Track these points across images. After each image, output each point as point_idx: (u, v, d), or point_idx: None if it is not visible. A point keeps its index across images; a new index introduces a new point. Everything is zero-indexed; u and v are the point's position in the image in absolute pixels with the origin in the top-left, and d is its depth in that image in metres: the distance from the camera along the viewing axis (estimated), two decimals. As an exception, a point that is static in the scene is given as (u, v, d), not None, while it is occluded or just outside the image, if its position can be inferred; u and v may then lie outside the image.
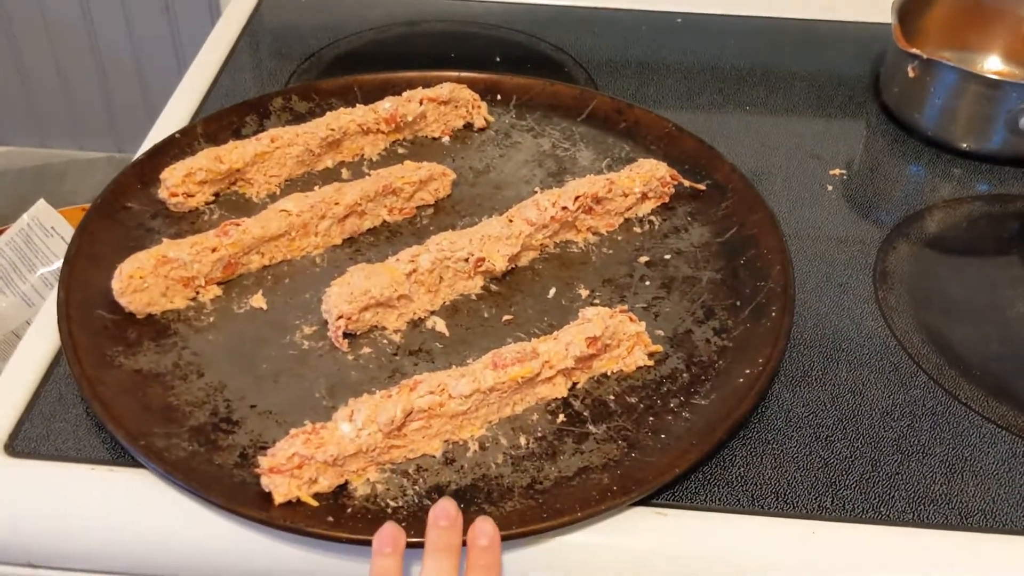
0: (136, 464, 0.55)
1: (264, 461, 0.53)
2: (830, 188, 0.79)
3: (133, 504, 0.55)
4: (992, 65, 0.91)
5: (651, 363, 0.62)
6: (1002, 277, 0.72)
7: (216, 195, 0.75)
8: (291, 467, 0.52)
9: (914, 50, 0.80)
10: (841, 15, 1.01)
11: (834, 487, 0.56)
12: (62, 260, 0.67)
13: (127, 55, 1.43)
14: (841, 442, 0.59)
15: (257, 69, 0.95)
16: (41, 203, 1.19)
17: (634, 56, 0.96)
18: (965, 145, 0.82)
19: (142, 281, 0.63)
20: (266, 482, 0.52)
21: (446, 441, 0.57)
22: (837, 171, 0.81)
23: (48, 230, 1.20)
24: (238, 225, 0.67)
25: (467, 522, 0.51)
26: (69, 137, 1.53)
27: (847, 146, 0.85)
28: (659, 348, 0.63)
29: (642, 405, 0.60)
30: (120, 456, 0.57)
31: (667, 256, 0.71)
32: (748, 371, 0.60)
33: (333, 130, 0.77)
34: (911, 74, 0.82)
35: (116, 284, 0.63)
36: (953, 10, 0.90)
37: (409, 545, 0.50)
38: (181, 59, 1.41)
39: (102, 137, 1.52)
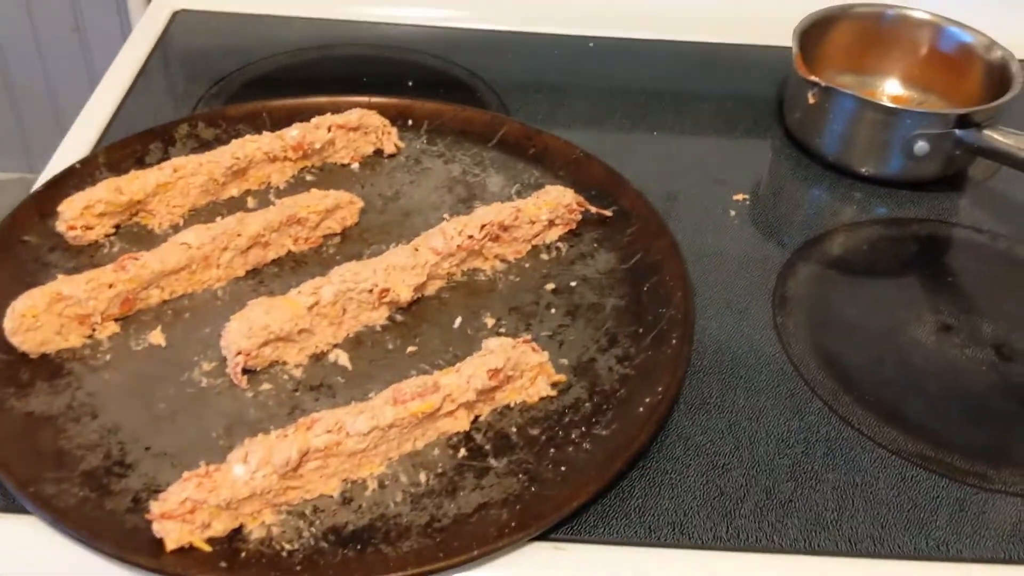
0: (26, 510, 0.54)
1: (155, 506, 0.52)
2: (733, 213, 0.81)
3: (22, 552, 0.54)
4: (891, 88, 0.93)
5: (554, 393, 0.63)
6: (899, 298, 0.74)
7: (117, 227, 0.73)
8: (183, 512, 0.52)
9: (813, 77, 0.82)
10: (748, 39, 1.03)
11: (729, 516, 0.57)
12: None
13: (37, 73, 1.39)
14: (737, 470, 0.60)
15: (166, 92, 0.94)
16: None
17: (546, 80, 0.96)
18: (864, 170, 0.84)
19: (35, 320, 0.62)
20: (157, 528, 0.52)
21: (344, 480, 0.56)
22: (740, 196, 0.82)
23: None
24: (136, 259, 0.66)
25: (364, 565, 0.51)
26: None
27: (751, 170, 0.86)
28: (562, 378, 0.64)
29: (544, 437, 0.60)
30: (10, 503, 0.55)
31: (573, 283, 0.71)
32: (648, 400, 0.61)
33: (238, 159, 0.76)
34: (811, 100, 0.84)
35: (8, 323, 0.62)
36: (853, 35, 0.92)
37: (303, 589, 0.50)
38: (93, 77, 1.38)
39: (13, 157, 1.48)
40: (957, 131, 0.79)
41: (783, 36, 0.90)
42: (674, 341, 0.65)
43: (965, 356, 0.69)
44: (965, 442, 0.62)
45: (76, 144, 0.85)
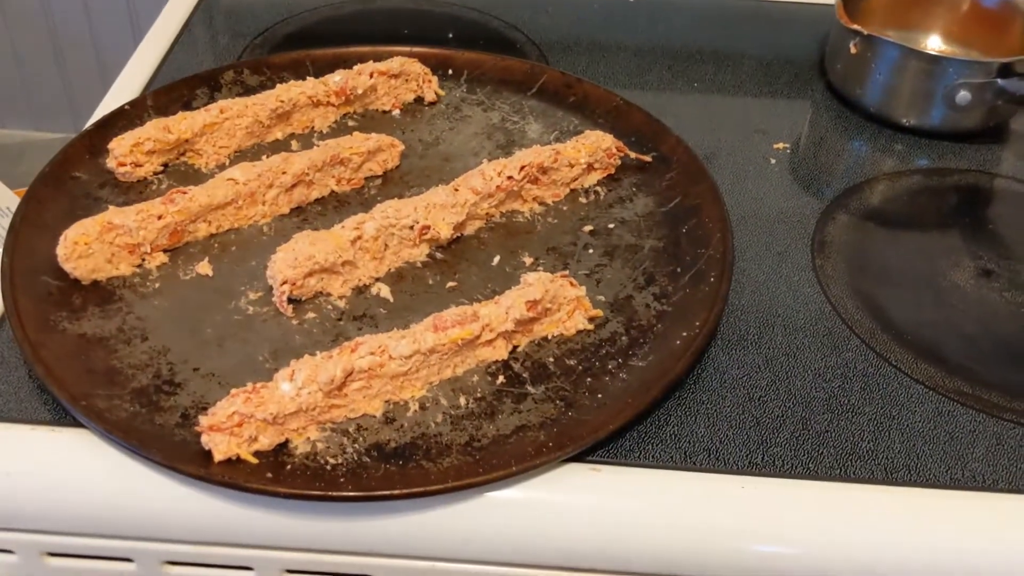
0: (77, 424, 0.56)
1: (204, 419, 0.53)
2: (773, 161, 0.81)
3: (74, 463, 0.55)
4: (933, 44, 0.92)
5: (591, 327, 0.63)
6: (937, 247, 0.74)
7: (165, 166, 0.75)
8: (231, 425, 0.53)
9: (855, 26, 0.82)
10: (790, -5, 1.03)
11: (765, 445, 0.57)
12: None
13: (84, 35, 1.42)
14: (773, 402, 0.60)
15: (210, 44, 0.95)
16: (-5, 182, 1.19)
17: (586, 34, 0.97)
18: (906, 120, 0.84)
19: (87, 247, 0.64)
20: (206, 440, 0.53)
21: (387, 401, 0.58)
22: (780, 144, 0.82)
23: (3, 211, 1.19)
24: (184, 193, 0.68)
25: (405, 478, 0.53)
26: (25, 117, 1.52)
27: (792, 122, 0.86)
28: (599, 312, 0.64)
29: (580, 367, 0.61)
30: (62, 417, 0.57)
31: (611, 225, 0.72)
32: (685, 334, 0.62)
33: (283, 102, 0.77)
34: (853, 50, 0.83)
35: (61, 250, 0.64)
36: (895, -10, 0.92)
37: (348, 499, 0.51)
38: (139, 39, 1.40)
39: (59, 117, 1.50)
40: (999, 80, 0.79)
41: (825, -8, 0.90)
42: (712, 279, 0.65)
43: (1004, 299, 0.69)
44: (1003, 380, 0.62)
45: (122, 93, 0.86)
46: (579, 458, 0.55)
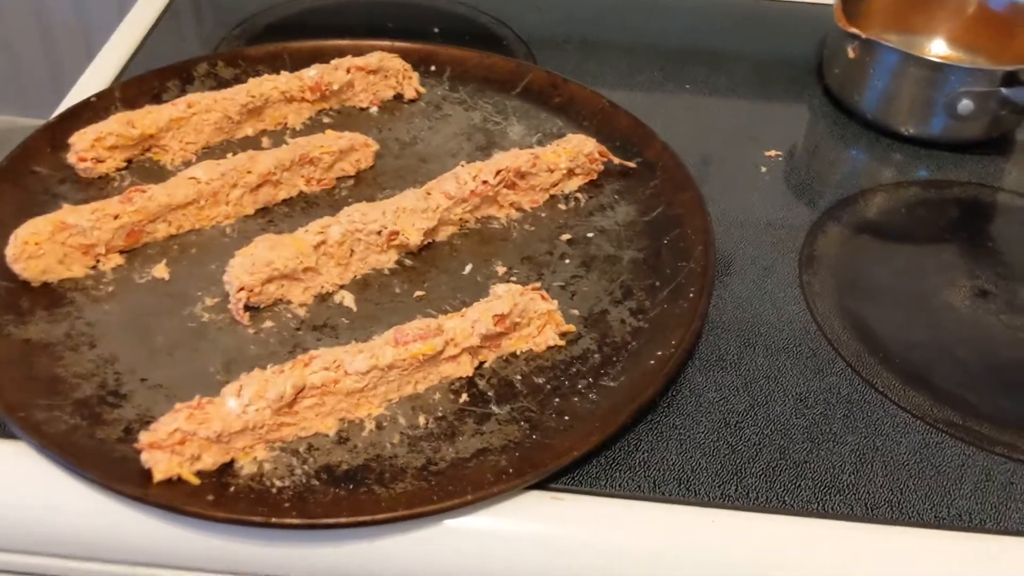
0: (15, 436, 0.53)
1: (144, 436, 0.50)
2: (764, 170, 0.78)
3: (9, 477, 0.53)
4: (937, 49, 0.89)
5: (563, 343, 0.60)
6: (934, 262, 0.71)
7: (128, 162, 0.72)
8: (172, 443, 0.50)
9: (853, 30, 0.78)
10: (790, -5, 1.00)
11: (739, 474, 0.54)
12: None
13: (71, 19, 1.39)
14: (751, 428, 0.57)
15: (187, 33, 0.93)
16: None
17: (576, 32, 0.93)
18: (905, 129, 0.80)
19: (38, 248, 0.61)
20: (146, 458, 0.50)
21: (341, 419, 0.55)
22: (773, 152, 0.79)
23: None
24: (143, 192, 0.65)
25: (354, 504, 0.50)
26: (12, 104, 1.49)
27: (786, 128, 0.83)
28: (572, 328, 0.61)
29: (549, 386, 0.58)
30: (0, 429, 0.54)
31: (590, 234, 0.69)
32: (660, 353, 0.58)
33: (254, 97, 0.74)
34: (851, 55, 0.80)
35: (10, 250, 0.61)
36: (898, -9, 0.88)
37: (290, 527, 0.49)
38: (126, 24, 1.38)
39: (46, 103, 1.47)
40: (1003, 89, 0.75)
41: (826, -7, 0.86)
42: (691, 295, 0.62)
43: (1001, 322, 0.65)
44: (995, 410, 0.59)
45: (95, 80, 0.84)
46: (541, 485, 0.52)
